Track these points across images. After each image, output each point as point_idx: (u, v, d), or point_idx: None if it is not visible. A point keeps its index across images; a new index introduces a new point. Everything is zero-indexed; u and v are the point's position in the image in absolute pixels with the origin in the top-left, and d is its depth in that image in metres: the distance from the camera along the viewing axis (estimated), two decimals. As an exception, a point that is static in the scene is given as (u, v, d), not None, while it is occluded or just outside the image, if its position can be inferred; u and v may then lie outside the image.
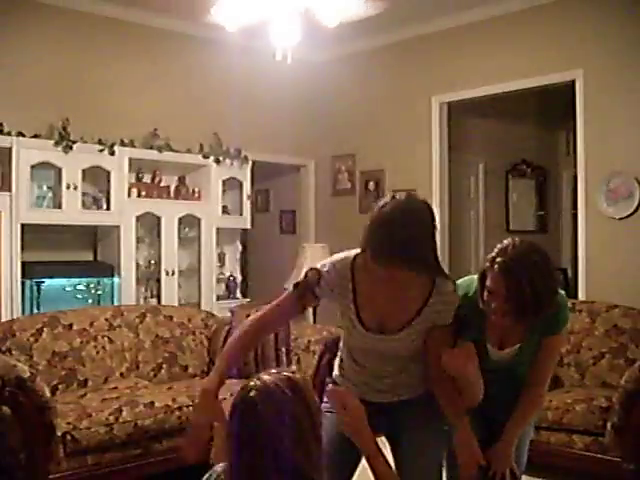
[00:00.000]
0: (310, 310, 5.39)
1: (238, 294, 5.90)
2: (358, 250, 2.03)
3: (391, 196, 1.96)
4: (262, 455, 1.41)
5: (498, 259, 2.04)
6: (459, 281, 2.24)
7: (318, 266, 2.11)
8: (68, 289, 4.92)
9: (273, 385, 1.46)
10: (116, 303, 4.95)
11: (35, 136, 4.70)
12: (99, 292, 5.04)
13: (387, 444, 2.20)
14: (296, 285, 2.11)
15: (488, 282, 2.06)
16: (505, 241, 2.09)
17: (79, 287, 4.97)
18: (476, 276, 2.18)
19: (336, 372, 2.30)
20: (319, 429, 1.49)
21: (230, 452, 1.46)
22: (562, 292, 2.20)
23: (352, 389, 2.17)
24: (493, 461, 2.22)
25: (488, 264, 2.07)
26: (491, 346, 2.22)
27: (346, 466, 2.14)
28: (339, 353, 2.30)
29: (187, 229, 5.56)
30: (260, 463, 1.41)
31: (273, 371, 1.52)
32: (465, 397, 2.10)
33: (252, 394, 1.45)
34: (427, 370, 2.12)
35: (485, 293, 2.08)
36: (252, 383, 1.48)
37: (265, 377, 1.49)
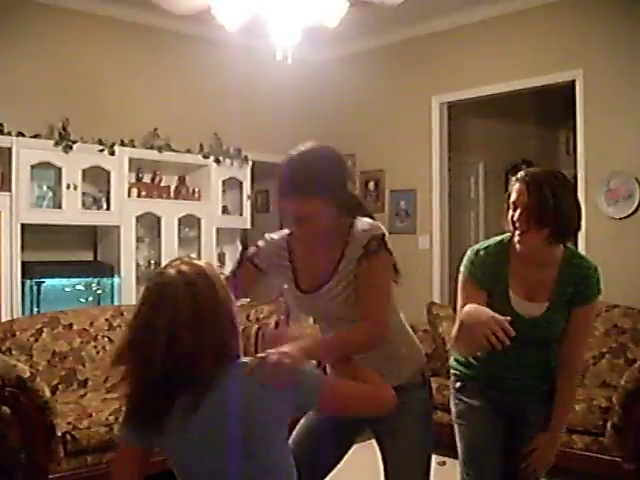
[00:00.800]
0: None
1: (238, 294, 5.89)
2: None
3: None
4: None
5: (520, 173, 2.13)
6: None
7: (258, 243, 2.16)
8: (68, 289, 4.92)
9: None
10: (116, 303, 4.95)
11: (35, 136, 4.69)
12: (99, 292, 5.04)
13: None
14: (236, 264, 2.16)
15: (512, 196, 2.11)
16: None
17: (79, 287, 4.97)
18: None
19: None
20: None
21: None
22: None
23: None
24: (534, 455, 2.15)
25: (512, 181, 2.14)
26: (517, 296, 2.15)
27: (324, 460, 2.12)
28: None
29: (187, 229, 5.56)
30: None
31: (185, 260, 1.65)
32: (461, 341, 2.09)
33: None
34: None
35: (510, 212, 2.12)
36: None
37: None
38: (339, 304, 1.98)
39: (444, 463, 3.61)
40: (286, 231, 2.11)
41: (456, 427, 2.31)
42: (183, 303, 1.55)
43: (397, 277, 2.00)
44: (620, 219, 4.64)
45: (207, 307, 1.56)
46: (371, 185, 6.20)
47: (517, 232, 2.11)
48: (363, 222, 1.98)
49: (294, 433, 2.08)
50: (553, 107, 6.37)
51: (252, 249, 2.13)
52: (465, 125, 6.21)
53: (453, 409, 2.33)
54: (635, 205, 4.57)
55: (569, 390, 2.20)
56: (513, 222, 2.11)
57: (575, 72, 4.86)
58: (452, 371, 2.35)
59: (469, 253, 2.25)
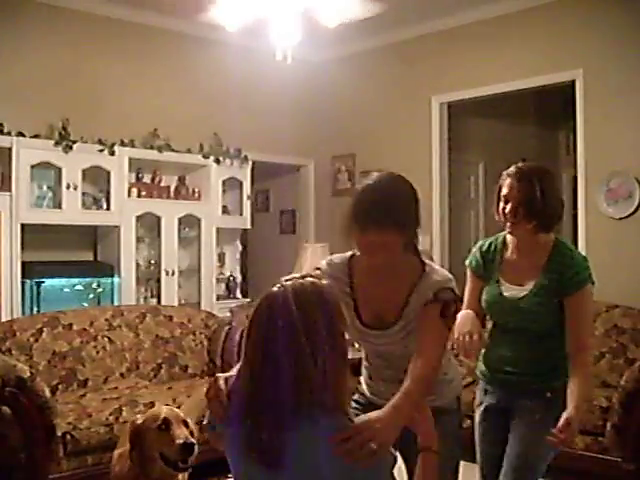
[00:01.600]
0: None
1: (238, 294, 5.90)
2: (353, 251, 2.07)
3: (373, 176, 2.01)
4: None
5: (511, 169, 2.33)
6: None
7: (318, 265, 2.15)
8: (68, 289, 4.92)
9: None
10: (116, 303, 4.95)
11: (35, 136, 4.70)
12: (99, 292, 5.04)
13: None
14: None
15: (503, 190, 2.30)
16: None
17: (79, 287, 4.97)
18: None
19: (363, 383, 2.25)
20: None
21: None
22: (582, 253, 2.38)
23: (374, 396, 2.14)
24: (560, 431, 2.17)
25: (503, 177, 2.33)
26: (506, 281, 2.33)
27: None
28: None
29: (187, 229, 5.56)
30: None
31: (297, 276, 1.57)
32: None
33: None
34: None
35: (501, 204, 2.30)
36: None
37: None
38: (399, 346, 2.01)
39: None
40: (348, 254, 2.09)
41: None
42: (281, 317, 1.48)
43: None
44: (620, 219, 4.63)
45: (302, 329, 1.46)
46: (371, 185, 6.19)
47: (508, 224, 2.29)
48: (437, 272, 2.00)
49: None
50: (553, 107, 6.38)
51: (316, 272, 2.05)
52: (465, 125, 6.21)
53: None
54: (635, 205, 4.56)
55: (579, 373, 2.19)
56: (504, 214, 2.29)
57: (575, 72, 4.86)
58: (475, 371, 2.53)
59: (474, 248, 2.50)
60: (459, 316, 2.24)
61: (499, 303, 2.32)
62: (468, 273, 2.48)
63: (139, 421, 2.55)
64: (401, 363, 1.97)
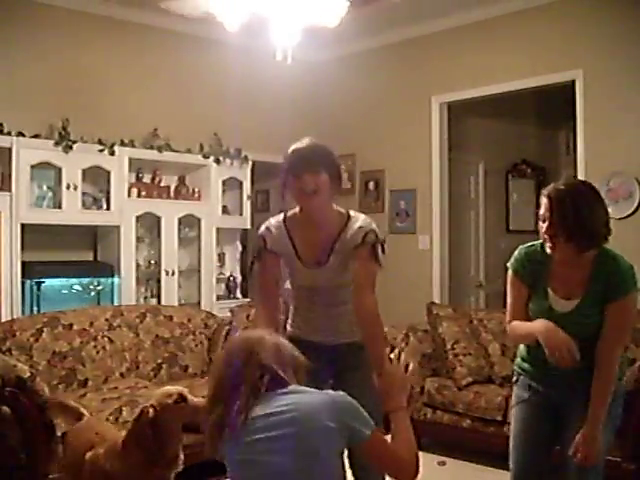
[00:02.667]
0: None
1: (238, 294, 5.90)
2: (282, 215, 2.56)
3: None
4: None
5: (547, 188, 2.28)
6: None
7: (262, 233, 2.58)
8: (67, 289, 4.92)
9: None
10: (116, 303, 4.96)
11: (35, 136, 4.70)
12: (99, 292, 5.04)
13: None
14: (254, 258, 2.57)
15: (540, 210, 2.29)
16: None
17: (78, 287, 4.97)
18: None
19: (288, 327, 2.67)
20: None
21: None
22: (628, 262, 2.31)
23: (298, 332, 2.56)
24: (577, 453, 2.22)
25: (541, 195, 2.30)
26: (555, 294, 2.31)
27: None
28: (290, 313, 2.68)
29: (187, 229, 5.56)
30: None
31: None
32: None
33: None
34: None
35: (540, 223, 2.29)
36: None
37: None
38: (335, 274, 2.47)
39: (444, 463, 3.60)
40: (280, 217, 2.55)
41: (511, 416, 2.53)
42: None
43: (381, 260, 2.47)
44: (620, 219, 4.63)
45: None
46: (371, 185, 6.20)
47: (547, 244, 2.27)
48: (358, 217, 2.48)
49: None
50: (553, 107, 6.37)
51: (260, 241, 2.52)
52: (465, 125, 6.21)
53: (512, 400, 2.56)
54: (635, 205, 4.57)
55: (599, 386, 2.24)
56: (543, 234, 2.28)
57: (575, 72, 4.87)
58: (514, 368, 2.56)
59: (516, 252, 2.45)
60: (542, 328, 2.22)
61: (548, 316, 2.28)
62: (511, 277, 2.43)
63: (153, 402, 2.54)
64: (331, 298, 2.51)
